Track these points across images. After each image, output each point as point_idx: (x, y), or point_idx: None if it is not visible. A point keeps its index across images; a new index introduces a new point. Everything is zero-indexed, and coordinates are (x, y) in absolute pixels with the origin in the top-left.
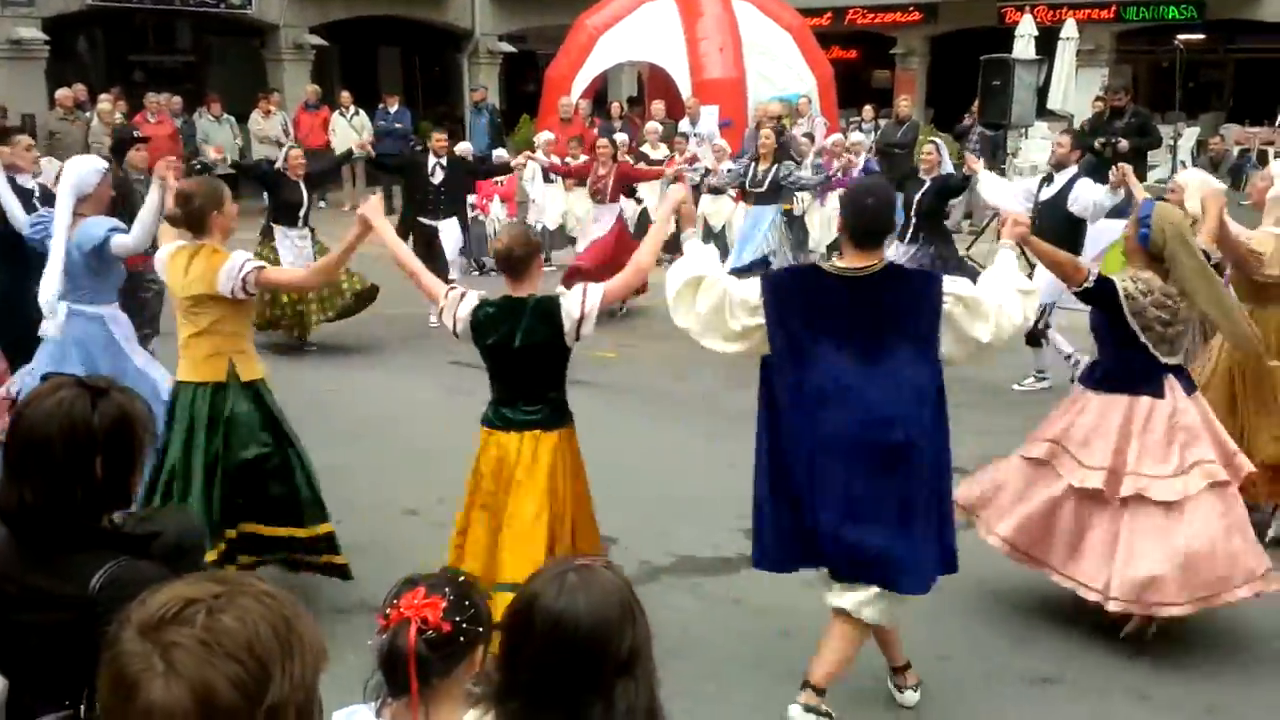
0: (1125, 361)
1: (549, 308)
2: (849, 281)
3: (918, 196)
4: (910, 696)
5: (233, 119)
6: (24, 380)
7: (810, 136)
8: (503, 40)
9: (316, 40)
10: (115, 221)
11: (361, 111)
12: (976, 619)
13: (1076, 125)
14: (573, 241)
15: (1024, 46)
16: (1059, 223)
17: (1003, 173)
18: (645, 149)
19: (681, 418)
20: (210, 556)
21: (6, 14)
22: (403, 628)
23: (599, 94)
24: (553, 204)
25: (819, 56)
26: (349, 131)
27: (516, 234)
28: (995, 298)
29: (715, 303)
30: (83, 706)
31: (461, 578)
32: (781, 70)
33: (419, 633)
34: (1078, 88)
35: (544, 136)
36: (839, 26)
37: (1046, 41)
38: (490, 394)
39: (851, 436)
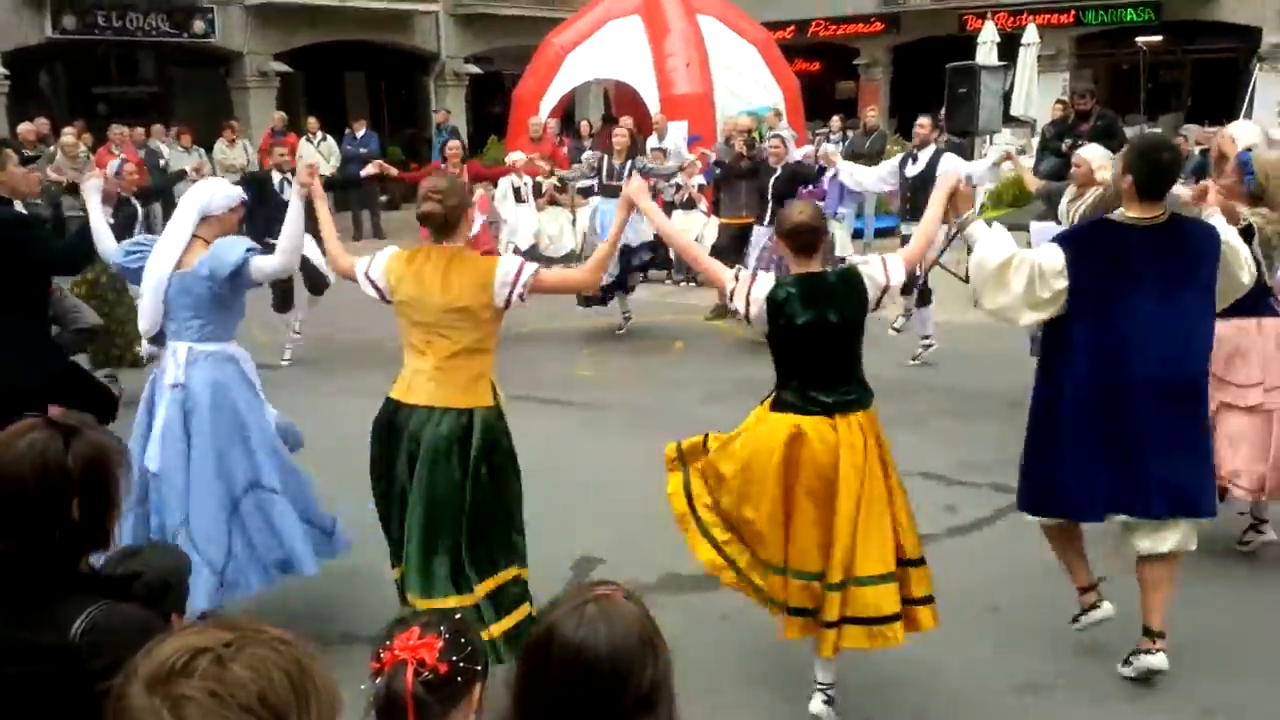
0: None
1: (855, 279)
2: (1146, 231)
3: (771, 183)
4: (1159, 660)
5: (201, 149)
6: (137, 450)
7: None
8: (469, 62)
9: (281, 67)
10: (249, 241)
11: (329, 137)
12: (968, 628)
13: (1039, 129)
14: (546, 260)
15: (986, 53)
16: (928, 194)
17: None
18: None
19: (659, 433)
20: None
21: None
22: (399, 670)
23: (567, 112)
24: (525, 223)
25: (784, 70)
26: (316, 157)
27: (814, 211)
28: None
29: (1028, 277)
30: None
31: (456, 614)
32: (748, 84)
33: (415, 675)
34: (1040, 92)
35: (515, 156)
36: (802, 39)
37: (1008, 47)
38: (786, 379)
39: (1157, 379)
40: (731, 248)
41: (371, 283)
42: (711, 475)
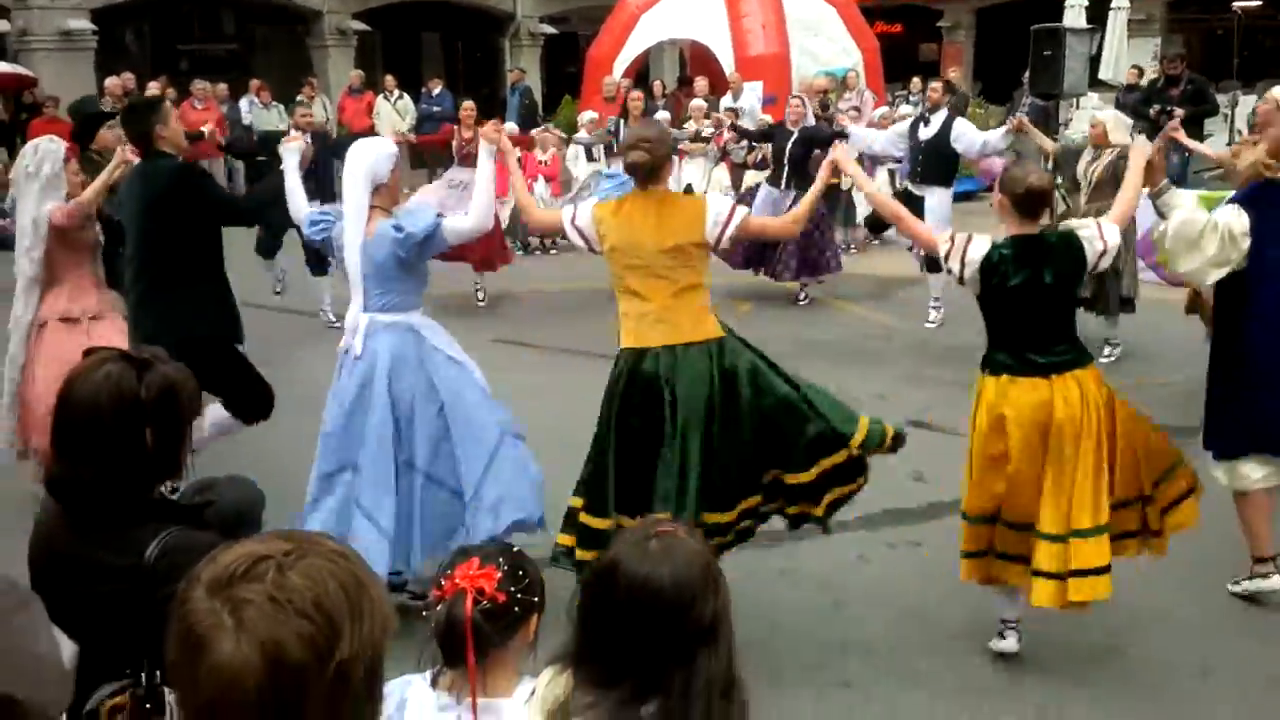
0: None
1: (1074, 242)
2: None
3: (788, 146)
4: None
5: (280, 106)
6: (333, 418)
7: (858, 110)
8: (544, 22)
9: (359, 26)
10: (433, 205)
11: (405, 95)
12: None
13: (1117, 92)
14: None
15: (1075, 16)
16: (940, 159)
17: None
18: (689, 125)
19: None
20: (724, 519)
21: (57, 5)
22: (459, 599)
23: (641, 73)
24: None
25: (864, 31)
26: (393, 115)
27: (1046, 177)
28: None
29: (1220, 240)
30: (143, 675)
31: (515, 548)
32: (825, 45)
33: (475, 603)
34: (1130, 57)
35: (587, 115)
36: (884, 1)
37: (1097, 10)
38: (998, 340)
39: None
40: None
41: (579, 232)
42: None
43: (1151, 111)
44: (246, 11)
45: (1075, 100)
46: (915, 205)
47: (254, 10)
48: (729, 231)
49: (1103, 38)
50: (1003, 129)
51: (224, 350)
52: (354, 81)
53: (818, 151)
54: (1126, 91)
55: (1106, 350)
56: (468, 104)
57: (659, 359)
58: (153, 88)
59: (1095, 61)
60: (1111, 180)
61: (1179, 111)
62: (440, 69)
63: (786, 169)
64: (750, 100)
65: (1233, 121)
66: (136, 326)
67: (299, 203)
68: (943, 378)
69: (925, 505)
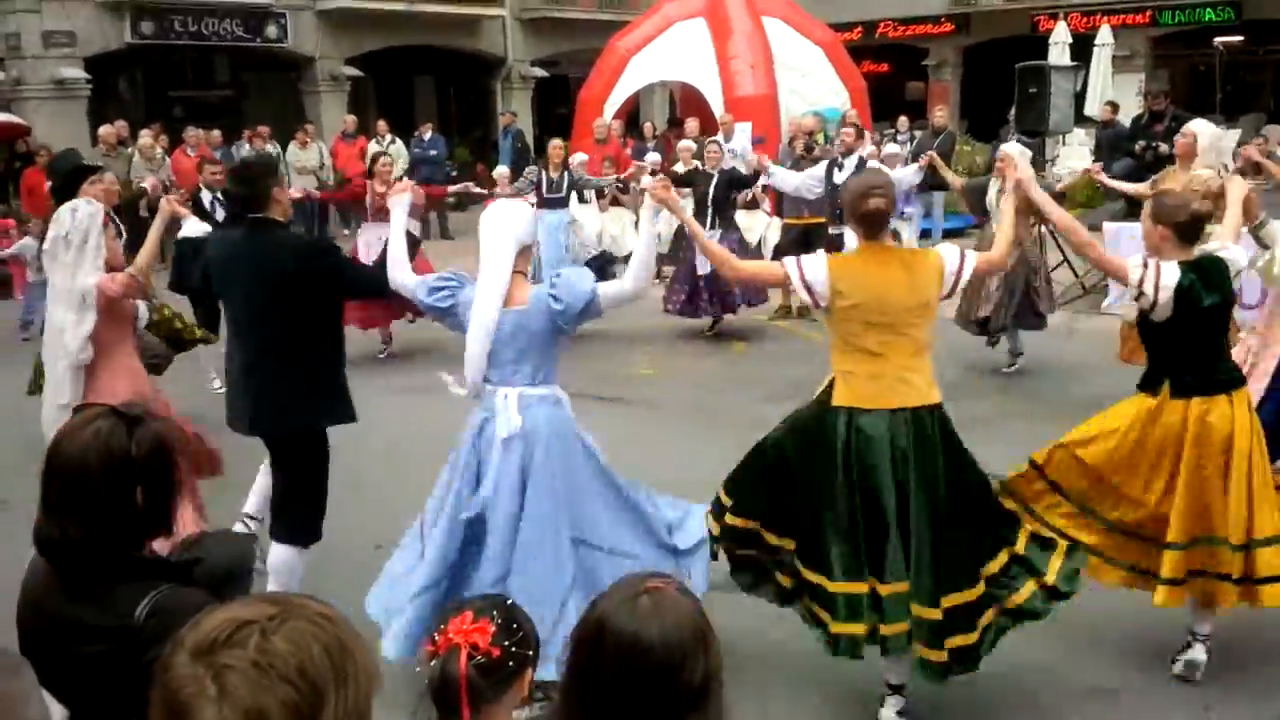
0: None
1: (1223, 265)
2: None
3: (710, 188)
4: None
5: (276, 148)
6: (477, 505)
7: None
8: (535, 65)
9: (352, 71)
10: (587, 270)
11: (398, 140)
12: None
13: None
14: (611, 258)
15: (1059, 53)
16: None
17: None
18: (678, 168)
19: (722, 433)
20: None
21: (50, 55)
22: (453, 654)
23: (632, 114)
24: (589, 223)
25: (851, 70)
26: (387, 159)
27: (1196, 200)
28: None
29: None
30: None
31: (508, 600)
32: (814, 85)
33: (469, 658)
34: (1115, 93)
35: (578, 158)
36: (870, 40)
37: (1081, 48)
38: (1185, 364)
39: None
40: (793, 248)
41: (809, 286)
42: (1069, 468)
43: (1137, 147)
44: (239, 58)
45: (1061, 137)
46: (836, 243)
47: (247, 57)
48: (962, 280)
49: (1087, 74)
50: (914, 166)
51: (325, 447)
52: (347, 127)
53: (747, 192)
54: (1103, 128)
55: (1010, 361)
56: (385, 159)
57: (896, 422)
58: (144, 135)
59: (1080, 98)
60: (1024, 210)
61: (1164, 146)
62: (433, 113)
63: (710, 210)
64: (741, 141)
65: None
66: (248, 416)
67: (404, 267)
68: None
69: None
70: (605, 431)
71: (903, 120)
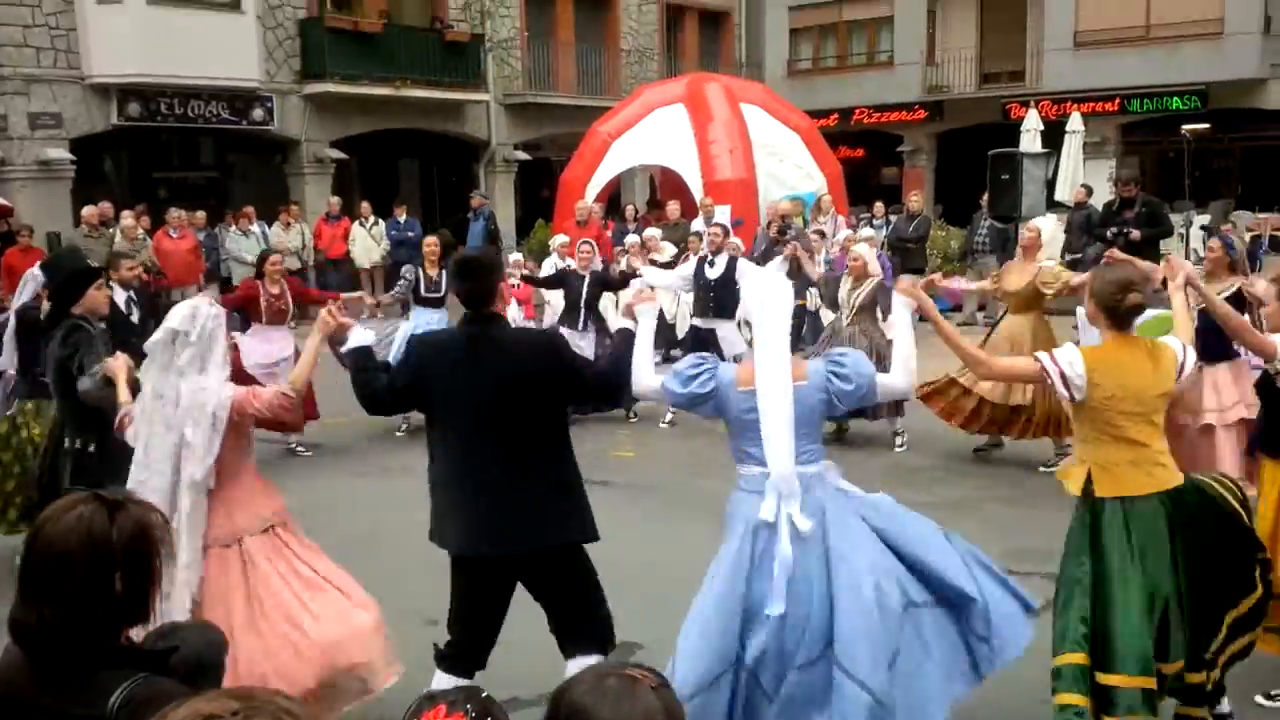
0: None
1: None
2: None
3: (583, 289)
4: None
5: (262, 227)
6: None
7: (822, 233)
8: (518, 149)
9: (336, 154)
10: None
11: (381, 222)
12: None
13: (1080, 213)
14: None
15: (1030, 140)
16: (729, 295)
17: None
18: (653, 256)
19: (703, 516)
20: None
21: (36, 136)
22: None
23: (613, 197)
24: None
25: (828, 156)
26: (368, 241)
27: None
28: None
29: None
30: None
31: (483, 693)
32: (791, 170)
33: None
34: (1086, 179)
35: (558, 239)
36: (846, 126)
37: (1052, 135)
38: None
39: None
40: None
41: (1064, 378)
42: None
43: (1109, 234)
44: (225, 140)
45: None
46: (707, 338)
47: (232, 139)
48: (1186, 370)
49: (1059, 161)
50: (779, 259)
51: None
52: (331, 208)
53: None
54: (1075, 210)
55: (899, 441)
56: (275, 256)
57: (1160, 504)
58: (126, 216)
59: (1052, 184)
60: (870, 306)
61: (1135, 233)
62: (416, 195)
63: (582, 312)
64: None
65: (1188, 240)
66: (485, 533)
67: (649, 368)
68: (915, 499)
69: None
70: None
71: (878, 205)
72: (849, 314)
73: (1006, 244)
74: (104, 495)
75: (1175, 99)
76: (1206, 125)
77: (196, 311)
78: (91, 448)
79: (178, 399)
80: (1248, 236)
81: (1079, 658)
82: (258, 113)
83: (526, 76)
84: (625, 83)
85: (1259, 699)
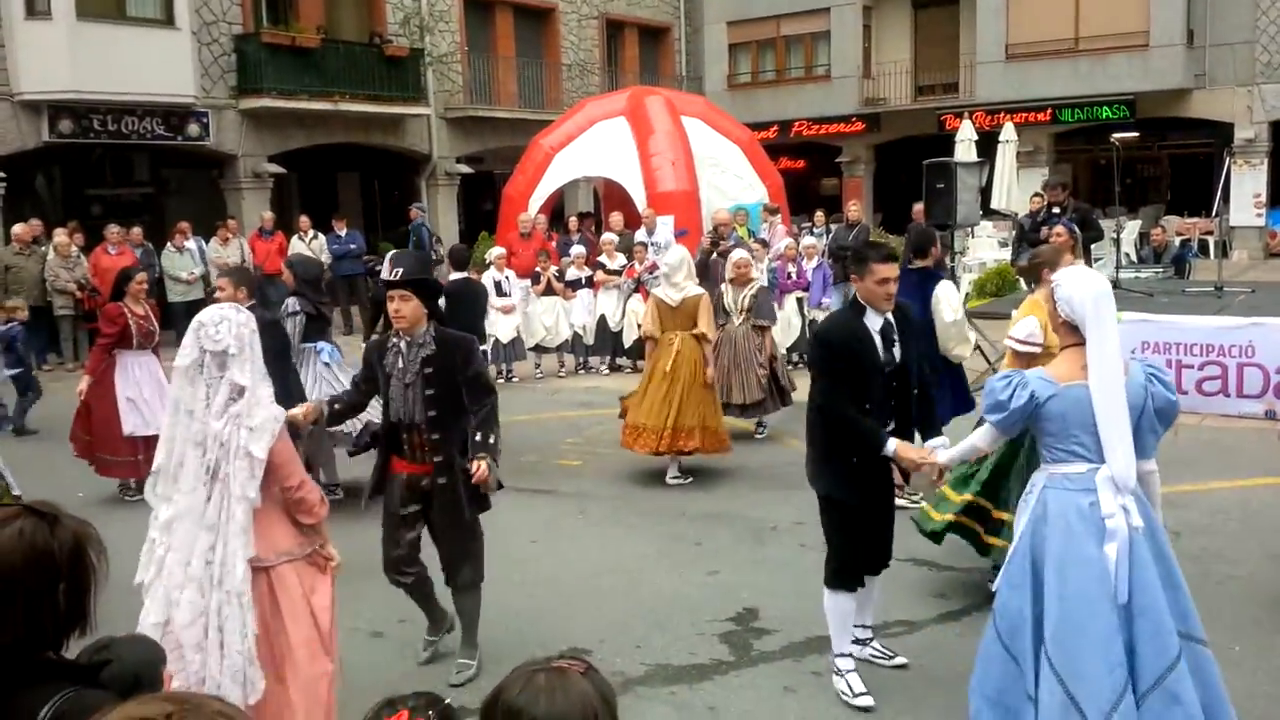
0: None
1: None
2: None
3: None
4: None
5: (199, 243)
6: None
7: (765, 243)
8: (460, 162)
9: (274, 169)
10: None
11: (320, 235)
12: None
13: (1019, 221)
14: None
15: (965, 150)
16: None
17: (953, 272)
18: (603, 259)
19: (648, 523)
20: None
21: None
22: None
23: (556, 209)
24: (504, 320)
25: (768, 167)
26: (307, 254)
27: None
28: None
29: None
30: None
31: (445, 700)
32: (732, 181)
33: None
34: (1020, 187)
35: (495, 251)
36: (786, 139)
37: (986, 145)
38: None
39: None
40: None
41: None
42: None
43: (1042, 236)
44: (159, 156)
45: (970, 229)
46: None
47: (167, 155)
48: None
49: (993, 170)
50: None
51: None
52: (264, 223)
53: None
54: (1031, 218)
55: (760, 430)
56: (139, 275)
57: None
58: (59, 233)
59: (986, 192)
60: (753, 308)
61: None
62: (358, 209)
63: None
64: (665, 234)
65: (1119, 245)
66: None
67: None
68: None
69: None
70: (533, 524)
71: (819, 215)
72: (739, 316)
73: (945, 251)
74: (38, 508)
75: (1105, 108)
76: (1136, 134)
77: (224, 322)
78: None
79: (214, 415)
80: (1176, 240)
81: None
82: (193, 128)
83: (467, 90)
84: (567, 96)
85: None
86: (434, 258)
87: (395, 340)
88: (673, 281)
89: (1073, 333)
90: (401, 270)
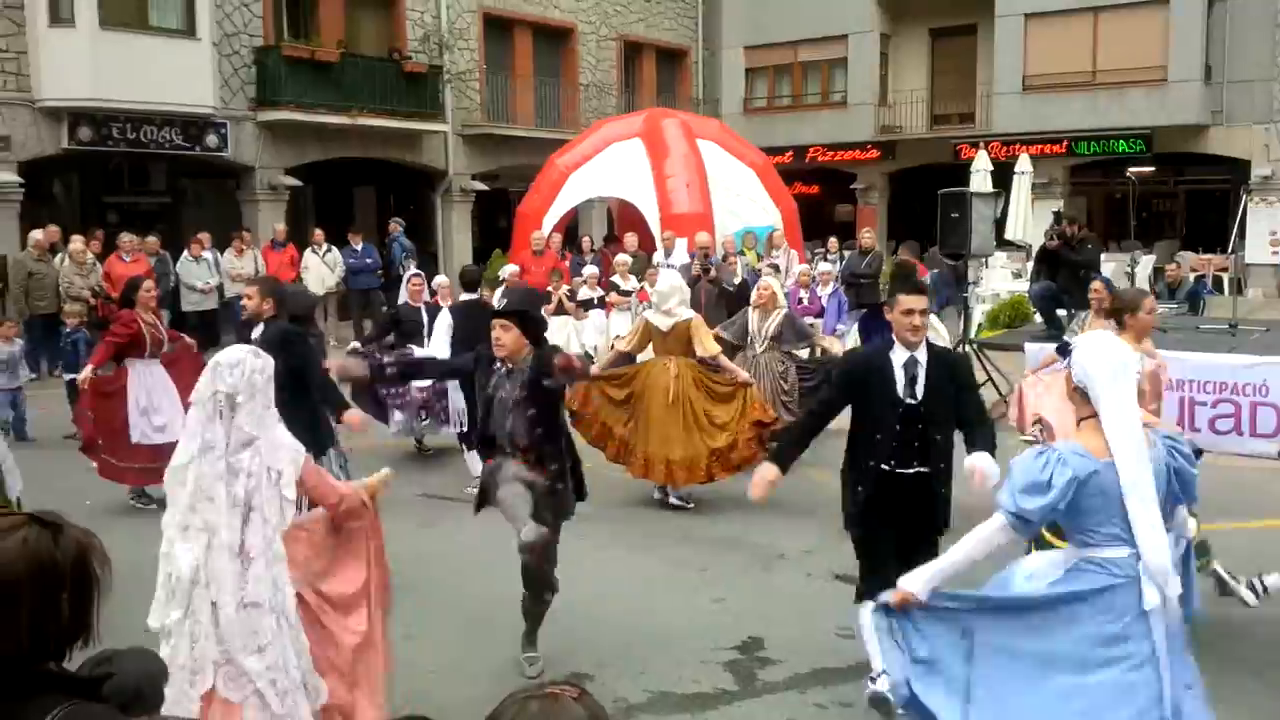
0: None
1: None
2: None
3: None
4: None
5: (215, 254)
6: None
7: (776, 267)
8: (475, 179)
9: (291, 181)
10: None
11: (334, 249)
12: None
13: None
14: None
15: (980, 180)
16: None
17: (965, 302)
18: (616, 279)
19: (651, 547)
20: None
21: None
22: None
23: (570, 228)
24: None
25: (782, 191)
26: (321, 268)
27: None
28: None
29: None
30: None
31: None
32: (746, 205)
33: None
34: (1035, 218)
35: (508, 269)
36: (801, 164)
37: (1002, 175)
38: None
39: None
40: None
41: None
42: None
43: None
44: (177, 166)
45: (984, 260)
46: None
47: (185, 165)
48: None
49: (1008, 201)
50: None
51: None
52: (277, 235)
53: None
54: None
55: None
56: (149, 284)
57: None
58: (75, 240)
59: (1001, 223)
60: (779, 337)
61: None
62: (373, 223)
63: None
64: (681, 257)
65: (1133, 280)
66: None
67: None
68: None
69: (855, 663)
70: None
71: (832, 241)
72: (763, 343)
73: (959, 281)
74: (41, 517)
75: (1121, 142)
76: (1152, 168)
77: (237, 366)
78: None
79: (231, 453)
80: (1191, 277)
81: None
82: (211, 139)
83: (484, 108)
84: (583, 116)
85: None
86: (401, 272)
87: (499, 365)
88: (663, 310)
89: (1086, 403)
90: (508, 302)
